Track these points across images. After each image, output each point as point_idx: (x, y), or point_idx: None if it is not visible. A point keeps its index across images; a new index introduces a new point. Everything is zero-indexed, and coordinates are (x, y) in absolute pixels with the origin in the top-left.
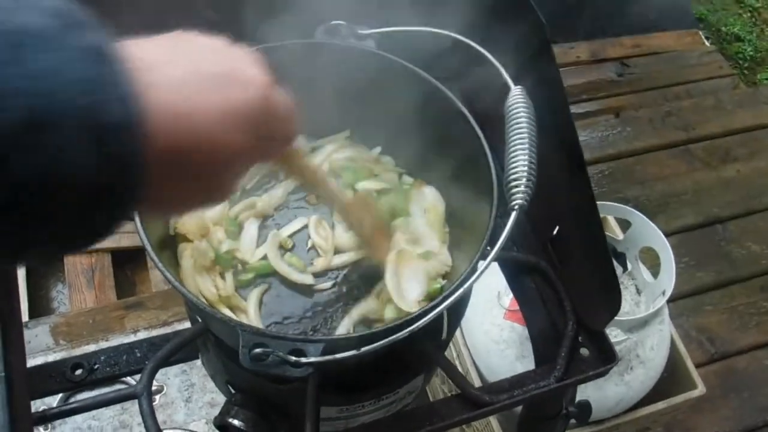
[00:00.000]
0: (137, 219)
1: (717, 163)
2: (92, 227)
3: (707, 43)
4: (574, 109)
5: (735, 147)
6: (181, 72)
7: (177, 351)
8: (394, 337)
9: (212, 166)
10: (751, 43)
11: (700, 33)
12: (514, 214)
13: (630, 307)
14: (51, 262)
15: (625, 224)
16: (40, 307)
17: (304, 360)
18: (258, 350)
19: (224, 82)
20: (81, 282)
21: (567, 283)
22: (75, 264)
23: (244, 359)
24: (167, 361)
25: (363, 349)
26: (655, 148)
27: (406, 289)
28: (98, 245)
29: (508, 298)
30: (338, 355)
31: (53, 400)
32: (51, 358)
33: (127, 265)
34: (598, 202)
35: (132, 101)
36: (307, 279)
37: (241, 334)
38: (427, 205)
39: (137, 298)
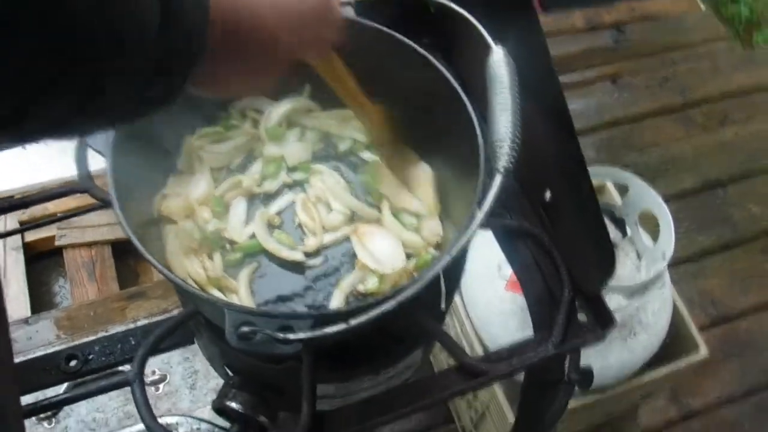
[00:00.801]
0: (116, 205)
1: (715, 126)
2: (154, 90)
3: (702, 6)
4: (571, 77)
5: (733, 110)
6: None
7: (168, 335)
8: (383, 308)
9: (263, 51)
10: (746, 5)
11: None
12: (499, 177)
13: (631, 272)
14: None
15: (623, 190)
16: (42, 303)
17: (292, 336)
18: (245, 329)
19: None
20: (82, 275)
21: (561, 248)
22: (75, 258)
23: (231, 338)
24: (159, 347)
25: (353, 321)
26: (652, 114)
27: (380, 254)
28: (98, 238)
29: (509, 269)
30: (327, 330)
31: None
32: (50, 352)
33: (129, 255)
34: (595, 167)
35: None
36: (297, 255)
37: (227, 313)
38: (416, 174)
39: (138, 288)
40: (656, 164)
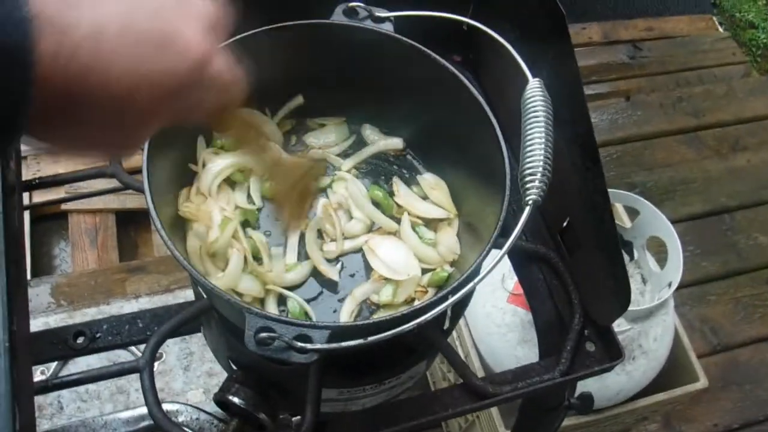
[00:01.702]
0: (149, 199)
1: (727, 151)
2: None
3: (721, 29)
4: (585, 90)
5: (745, 136)
6: (111, 17)
7: (180, 327)
8: (401, 328)
9: (113, 121)
10: (764, 31)
11: (714, 18)
12: (527, 210)
13: (635, 296)
14: None
15: (632, 212)
16: (42, 264)
17: (309, 346)
18: (263, 335)
19: (155, 44)
20: (84, 241)
21: (575, 275)
22: (79, 223)
23: (249, 343)
24: (170, 336)
25: (370, 338)
26: (664, 134)
27: (394, 263)
28: (102, 206)
29: (512, 281)
30: (344, 344)
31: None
32: (51, 319)
33: (131, 226)
34: (608, 190)
35: (28, 26)
36: (333, 275)
37: (248, 317)
38: (430, 184)
39: (140, 261)
40: (665, 185)
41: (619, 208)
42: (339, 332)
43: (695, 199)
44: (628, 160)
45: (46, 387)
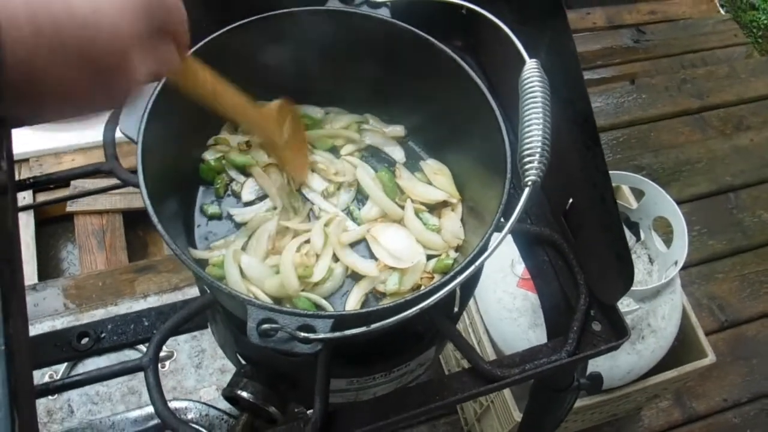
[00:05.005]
0: (144, 193)
1: (731, 131)
2: None
3: (722, 11)
4: (590, 75)
5: (749, 115)
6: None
7: (184, 322)
8: (404, 314)
9: (95, 54)
10: (765, 12)
11: (716, 0)
12: (527, 191)
13: (642, 276)
14: None
15: (639, 194)
16: (49, 268)
17: (312, 336)
18: (266, 326)
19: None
20: (91, 243)
21: (580, 256)
22: (85, 225)
23: (252, 335)
24: (174, 332)
25: (373, 326)
26: (669, 116)
27: (398, 251)
28: (109, 206)
29: (521, 266)
30: (348, 332)
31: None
32: (59, 322)
33: (139, 225)
34: (612, 172)
35: None
36: (371, 270)
37: (249, 309)
38: (433, 169)
39: (148, 261)
40: (671, 166)
41: (625, 190)
42: (342, 321)
43: (701, 179)
44: (634, 142)
45: (47, 389)
